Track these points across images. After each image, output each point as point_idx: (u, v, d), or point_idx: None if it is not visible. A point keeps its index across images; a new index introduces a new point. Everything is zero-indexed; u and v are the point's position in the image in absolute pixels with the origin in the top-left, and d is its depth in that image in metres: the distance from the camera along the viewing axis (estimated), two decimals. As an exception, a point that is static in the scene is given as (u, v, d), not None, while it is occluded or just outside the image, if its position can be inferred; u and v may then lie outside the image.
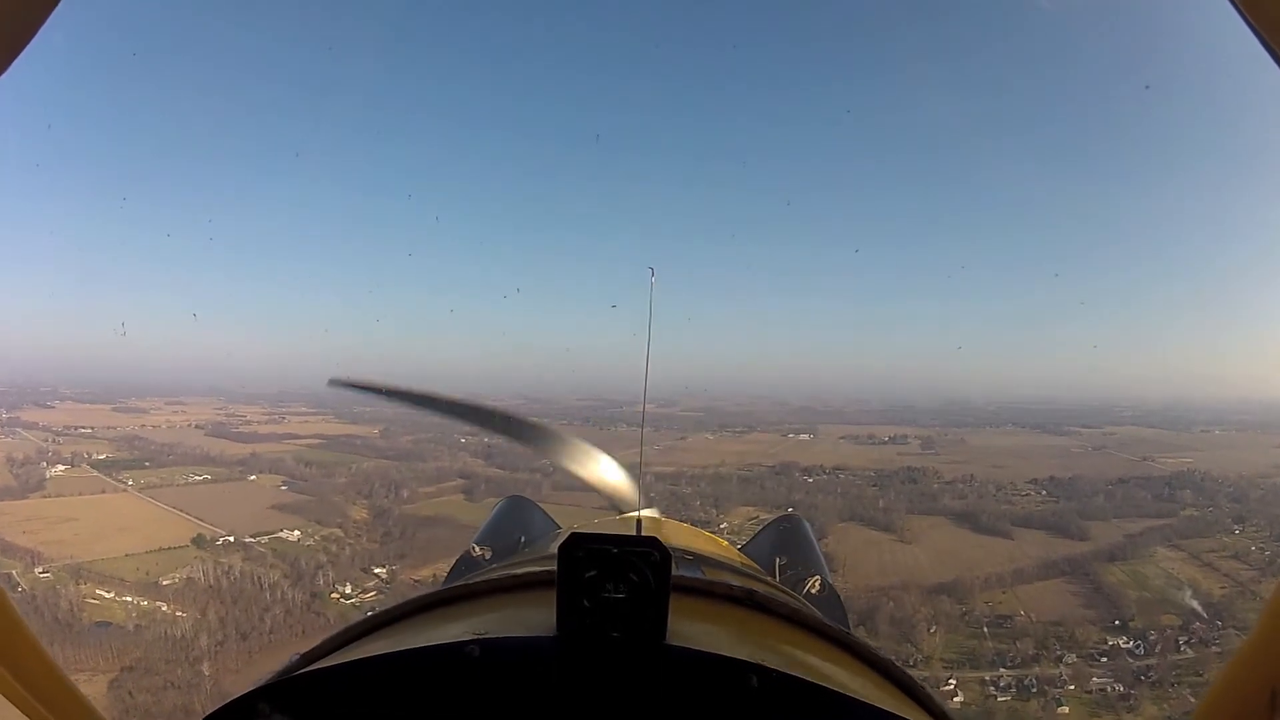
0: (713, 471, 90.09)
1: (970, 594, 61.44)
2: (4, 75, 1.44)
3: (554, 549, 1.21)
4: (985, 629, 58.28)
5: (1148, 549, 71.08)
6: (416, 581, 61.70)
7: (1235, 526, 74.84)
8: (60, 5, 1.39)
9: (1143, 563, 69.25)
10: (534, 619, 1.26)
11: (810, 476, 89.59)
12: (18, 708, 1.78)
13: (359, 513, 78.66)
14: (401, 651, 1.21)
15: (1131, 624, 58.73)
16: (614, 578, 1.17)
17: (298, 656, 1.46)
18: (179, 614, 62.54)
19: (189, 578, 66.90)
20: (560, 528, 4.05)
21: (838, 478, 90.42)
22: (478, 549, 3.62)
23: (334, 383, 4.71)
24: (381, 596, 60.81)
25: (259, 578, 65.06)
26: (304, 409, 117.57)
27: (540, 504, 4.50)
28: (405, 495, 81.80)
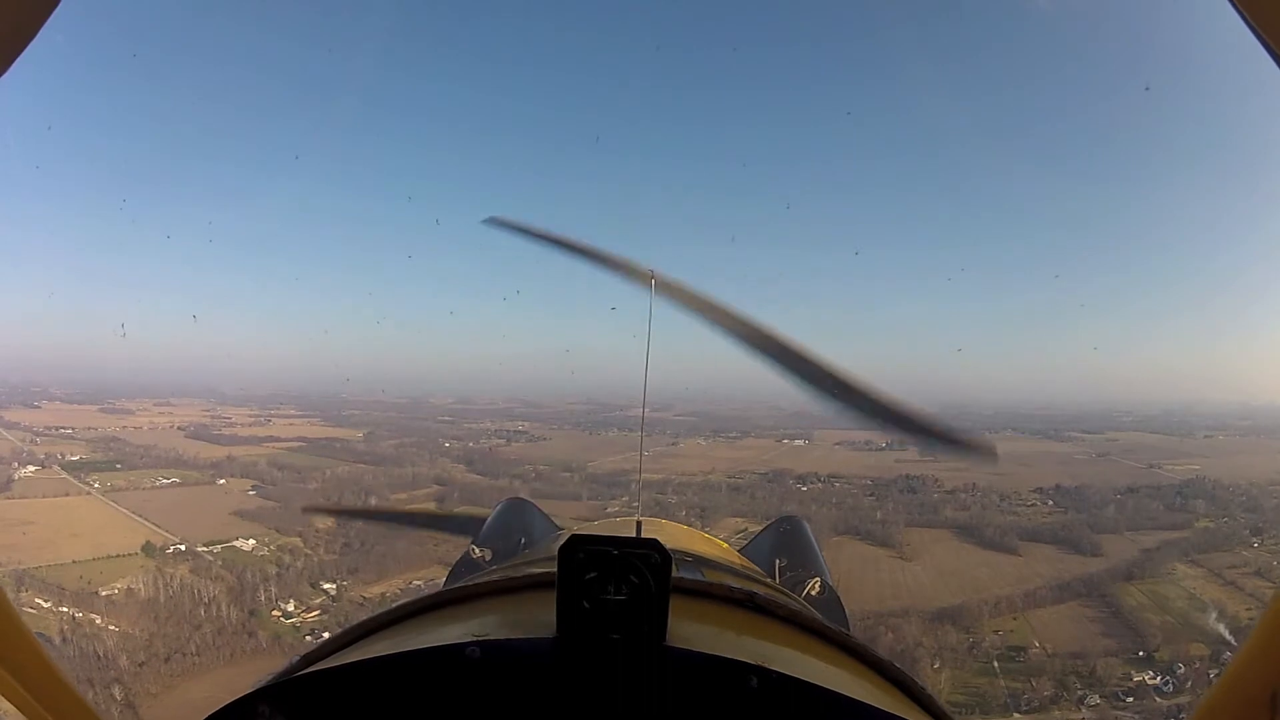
0: (701, 479, 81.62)
1: (978, 621, 52.54)
2: (4, 76, 1.40)
3: (554, 550, 1.18)
4: (996, 664, 49.41)
5: (1166, 565, 63.32)
6: (364, 599, 53.92)
7: (1253, 539, 68.27)
8: (60, 5, 1.37)
9: (1162, 582, 61.31)
10: (534, 621, 1.23)
11: (804, 485, 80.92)
12: (17, 708, 1.72)
13: (323, 521, 70.98)
14: (402, 653, 1.17)
15: (1157, 655, 50.59)
16: (614, 579, 1.14)
17: (298, 658, 1.42)
18: (111, 627, 55.24)
19: (129, 589, 59.27)
20: (560, 529, 3.99)
21: (833, 486, 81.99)
22: (478, 550, 3.61)
23: (490, 221, 4.80)
24: (325, 616, 52.87)
25: (198, 591, 57.10)
26: (293, 411, 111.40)
27: None
28: (373, 503, 73.63)
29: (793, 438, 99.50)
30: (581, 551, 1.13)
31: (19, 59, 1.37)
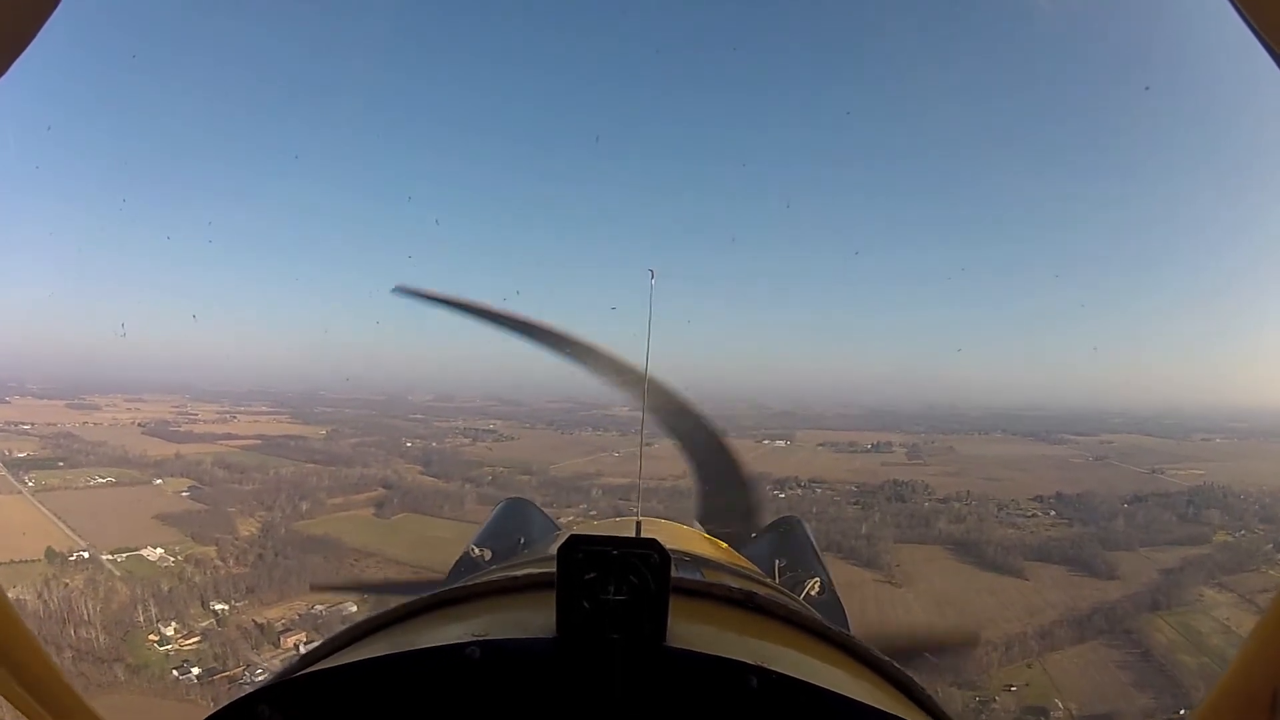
0: (670, 485, 68.98)
1: (985, 670, 40.49)
2: (4, 76, 1.35)
3: (553, 550, 1.12)
4: (1011, 735, 37.57)
5: (1191, 590, 52.82)
6: (254, 624, 42.99)
7: (1278, 554, 59.66)
8: (60, 5, 1.32)
9: (1190, 612, 50.43)
10: (534, 621, 1.17)
11: (782, 491, 68.89)
12: (17, 708, 1.65)
13: (249, 527, 60.22)
14: (402, 653, 1.11)
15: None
16: (614, 579, 1.08)
17: (297, 658, 1.37)
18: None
19: (16, 599, 48.27)
20: (560, 529, 3.84)
21: (814, 492, 70.33)
22: (477, 550, 3.44)
23: (398, 290, 4.66)
24: (204, 645, 42.00)
25: (80, 607, 46.39)
26: (264, 408, 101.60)
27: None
28: (305, 509, 62.75)
29: (774, 438, 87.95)
30: (581, 551, 1.06)
31: (19, 59, 1.30)
